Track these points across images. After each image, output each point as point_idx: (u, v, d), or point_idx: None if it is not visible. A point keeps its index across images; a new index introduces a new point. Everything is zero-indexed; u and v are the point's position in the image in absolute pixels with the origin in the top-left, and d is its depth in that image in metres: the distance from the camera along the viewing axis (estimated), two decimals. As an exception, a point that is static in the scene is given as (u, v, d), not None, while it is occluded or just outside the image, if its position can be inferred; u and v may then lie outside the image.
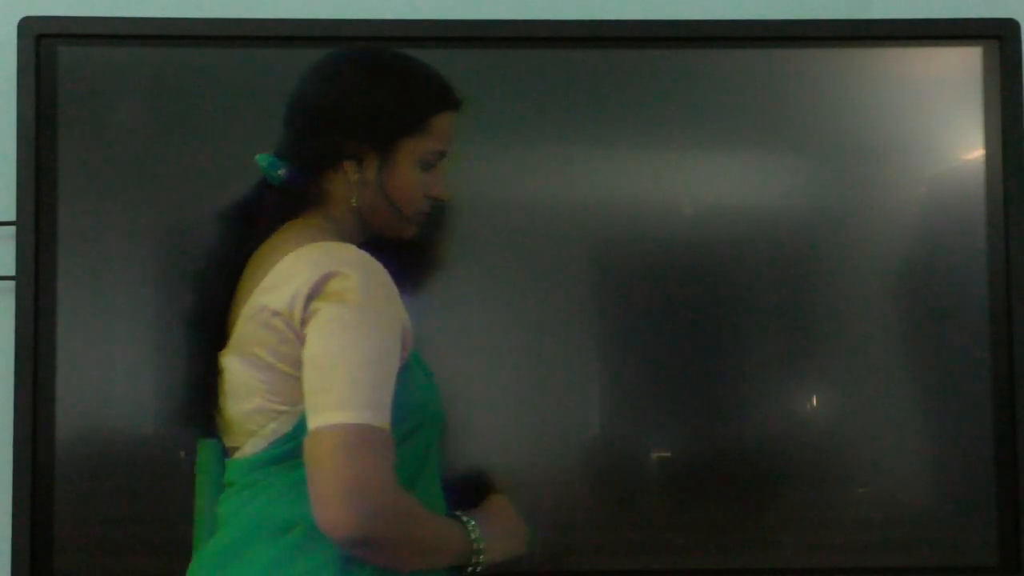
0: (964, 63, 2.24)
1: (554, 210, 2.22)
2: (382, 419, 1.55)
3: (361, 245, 1.72)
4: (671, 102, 2.25)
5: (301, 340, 1.60)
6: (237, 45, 2.21)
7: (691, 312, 2.23)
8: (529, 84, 2.23)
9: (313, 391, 1.56)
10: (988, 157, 2.23)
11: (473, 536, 1.65)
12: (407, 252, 1.90)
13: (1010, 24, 2.24)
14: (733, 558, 2.20)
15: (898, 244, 2.24)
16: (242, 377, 1.66)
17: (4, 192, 2.20)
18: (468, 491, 1.79)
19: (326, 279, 1.60)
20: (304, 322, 1.60)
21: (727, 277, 2.24)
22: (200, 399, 1.72)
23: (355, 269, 1.62)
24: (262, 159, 1.75)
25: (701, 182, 2.25)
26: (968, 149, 2.24)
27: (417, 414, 1.67)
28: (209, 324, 1.71)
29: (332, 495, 1.51)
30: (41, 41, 2.18)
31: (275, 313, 1.62)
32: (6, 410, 2.15)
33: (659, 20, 2.24)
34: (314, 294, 1.60)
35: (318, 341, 1.58)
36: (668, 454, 2.23)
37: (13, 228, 2.18)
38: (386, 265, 1.72)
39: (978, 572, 2.19)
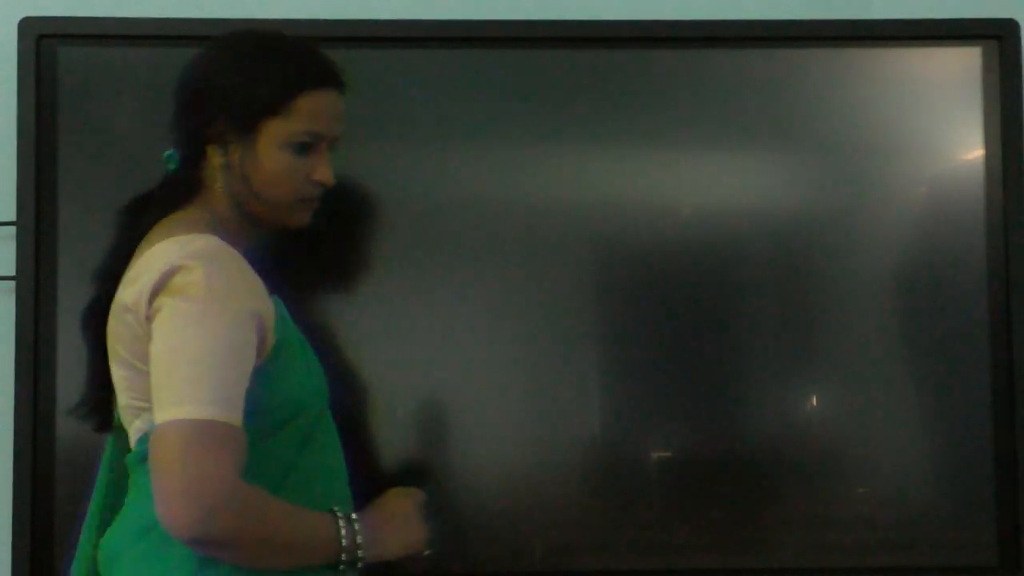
0: (964, 63, 2.25)
1: (553, 210, 2.22)
2: (226, 414, 1.51)
3: (269, 238, 1.76)
4: (671, 102, 2.25)
5: (149, 336, 1.57)
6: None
7: (691, 312, 2.22)
8: (529, 84, 2.23)
9: (156, 387, 1.53)
10: (988, 157, 2.23)
11: (343, 532, 1.61)
12: (328, 247, 1.93)
13: (1010, 24, 2.24)
14: (733, 558, 2.20)
15: (898, 244, 2.24)
16: (115, 373, 1.65)
17: (4, 192, 2.20)
18: (404, 483, 1.85)
19: (170, 274, 1.57)
20: (149, 318, 1.57)
21: (727, 277, 2.24)
22: (93, 395, 1.73)
23: (201, 262, 1.57)
24: (167, 153, 1.74)
25: (701, 182, 2.25)
26: (968, 149, 2.24)
27: (287, 407, 1.64)
28: (95, 319, 1.69)
29: (171, 493, 1.48)
30: (41, 41, 2.18)
31: (127, 309, 1.60)
32: (6, 410, 2.15)
33: (659, 20, 2.25)
34: (158, 289, 1.57)
35: (160, 337, 1.55)
36: (668, 454, 2.23)
37: (13, 228, 2.18)
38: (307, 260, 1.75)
39: (978, 572, 2.19)
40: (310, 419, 1.67)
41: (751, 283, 2.25)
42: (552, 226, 2.21)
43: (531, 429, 2.21)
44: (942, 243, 2.24)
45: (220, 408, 1.51)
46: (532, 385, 2.22)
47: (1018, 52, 2.24)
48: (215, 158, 1.70)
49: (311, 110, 1.69)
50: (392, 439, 2.18)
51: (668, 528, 2.21)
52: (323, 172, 1.72)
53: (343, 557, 1.60)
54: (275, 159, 1.69)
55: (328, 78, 1.71)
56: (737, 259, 2.24)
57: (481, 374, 2.21)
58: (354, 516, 1.63)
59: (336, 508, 1.64)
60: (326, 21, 2.21)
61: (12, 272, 2.18)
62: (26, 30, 2.17)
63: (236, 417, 1.52)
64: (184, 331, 1.54)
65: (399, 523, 1.71)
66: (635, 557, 2.20)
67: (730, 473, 2.21)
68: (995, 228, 2.22)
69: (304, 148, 1.70)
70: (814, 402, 2.24)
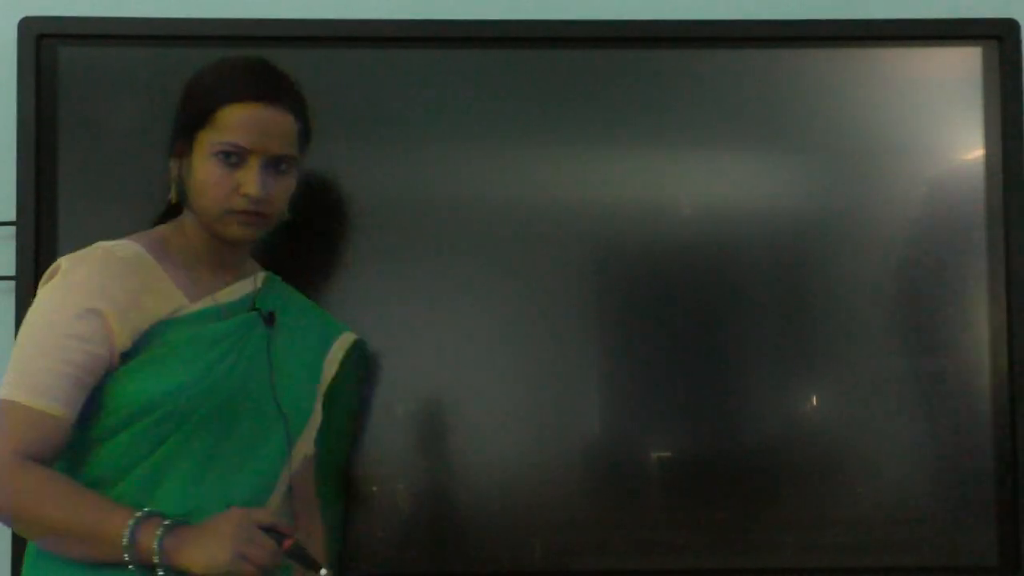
0: (964, 63, 2.25)
1: (554, 210, 2.22)
2: (29, 396, 1.66)
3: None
4: (671, 102, 2.25)
5: None
6: (237, 45, 2.20)
7: (691, 312, 2.22)
8: (529, 84, 2.23)
9: None
10: (988, 157, 2.23)
11: (126, 533, 1.63)
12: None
13: (1010, 24, 2.24)
14: (733, 558, 2.20)
15: (898, 244, 2.24)
16: None
17: (4, 192, 2.20)
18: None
19: (52, 271, 1.77)
20: None
21: (727, 277, 2.24)
22: None
23: (75, 261, 1.76)
24: None
25: (701, 182, 2.25)
26: (968, 149, 2.24)
27: (133, 407, 1.72)
28: None
29: None
30: (41, 41, 2.18)
31: None
32: (6, 410, 2.15)
33: (659, 20, 2.25)
34: (41, 283, 1.77)
35: None
36: (668, 454, 2.23)
37: (13, 228, 2.18)
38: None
39: (978, 572, 2.19)
40: (168, 421, 1.74)
41: (751, 283, 2.24)
42: (552, 226, 2.21)
43: (531, 429, 2.21)
44: (942, 243, 2.24)
45: (23, 391, 1.67)
46: (532, 385, 2.22)
47: (1018, 52, 2.24)
48: (173, 171, 1.84)
49: (232, 122, 1.76)
50: (392, 439, 2.18)
51: (668, 528, 2.21)
52: (249, 185, 1.76)
53: (126, 558, 1.64)
54: (204, 169, 1.78)
55: (249, 92, 1.78)
56: (737, 259, 2.23)
57: (481, 374, 2.21)
58: (167, 522, 1.66)
59: (147, 510, 1.68)
60: (326, 21, 2.21)
61: (12, 272, 2.18)
62: (26, 30, 2.17)
63: (41, 401, 1.66)
64: (28, 318, 1.74)
65: (208, 539, 1.67)
66: (635, 557, 2.20)
67: (730, 473, 2.21)
68: (995, 228, 2.22)
69: (230, 159, 1.77)
70: (814, 402, 2.24)
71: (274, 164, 1.80)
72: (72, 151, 2.18)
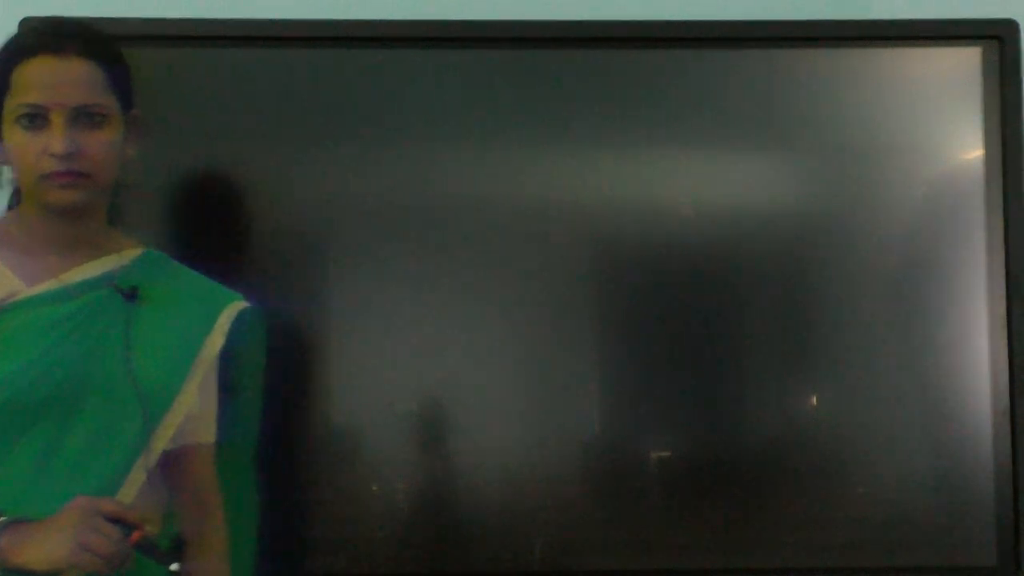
0: (963, 63, 2.24)
1: (553, 210, 2.22)
2: None
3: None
4: (671, 102, 2.25)
5: None
6: (237, 45, 2.21)
7: (691, 312, 2.23)
8: (529, 84, 2.23)
9: None
10: (987, 157, 2.23)
11: None
12: None
13: (1010, 24, 2.24)
14: (733, 558, 2.20)
15: (898, 244, 2.24)
16: None
17: (4, 192, 2.19)
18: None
19: None
20: None
21: (726, 277, 2.24)
22: None
23: None
24: None
25: (700, 183, 2.25)
26: (967, 149, 2.24)
27: None
28: None
29: None
30: (41, 41, 2.17)
31: None
32: (6, 410, 2.15)
33: (659, 20, 2.24)
34: None
35: None
36: (668, 454, 2.23)
37: (13, 228, 2.18)
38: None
39: (978, 572, 2.19)
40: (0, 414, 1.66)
41: (751, 283, 2.25)
42: (552, 225, 2.21)
43: (531, 429, 2.21)
44: (942, 243, 2.24)
45: None
46: (532, 385, 2.22)
47: (1018, 52, 2.24)
48: (3, 155, 1.75)
49: (24, 81, 1.69)
50: (391, 439, 2.18)
51: (668, 528, 2.21)
52: (54, 142, 1.68)
53: None
54: (12, 139, 1.71)
55: (35, 45, 1.70)
56: (737, 259, 2.24)
57: (481, 374, 2.21)
58: (3, 519, 1.59)
59: None
60: (326, 21, 2.21)
61: (12, 272, 2.17)
62: (26, 30, 2.17)
63: None
64: None
65: (47, 533, 1.59)
66: (635, 557, 2.20)
67: (730, 473, 2.21)
68: (995, 228, 2.22)
69: (34, 122, 1.69)
70: (814, 402, 2.24)
71: (81, 116, 1.69)
72: (72, 151, 2.18)
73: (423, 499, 2.19)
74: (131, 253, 1.81)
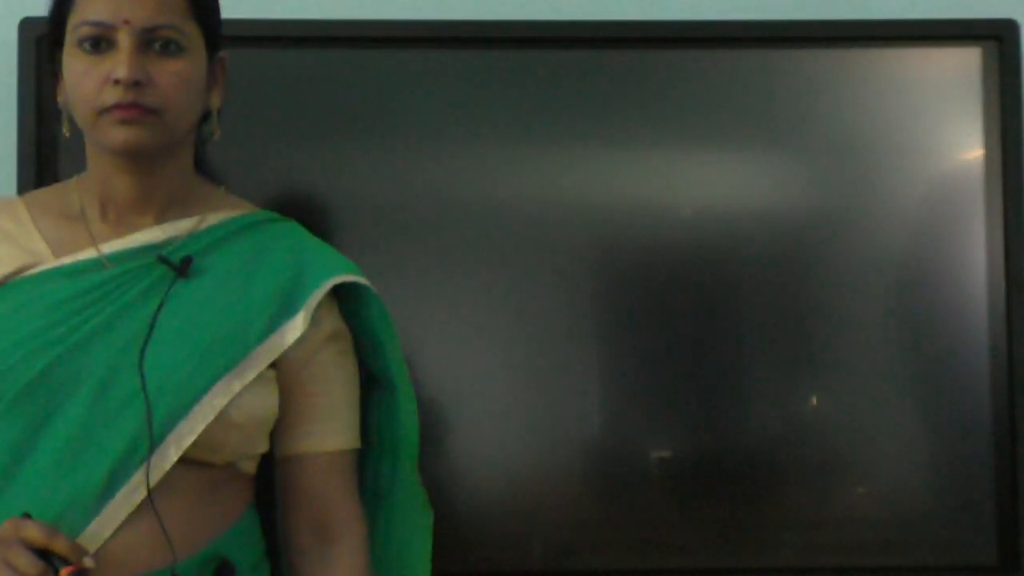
0: (963, 63, 2.24)
1: (553, 210, 2.22)
2: None
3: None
4: (671, 102, 2.25)
5: None
6: (236, 45, 2.20)
7: (691, 312, 2.22)
8: (529, 84, 2.23)
9: None
10: (987, 157, 2.23)
11: None
12: None
13: (1010, 24, 2.24)
14: (733, 558, 2.20)
15: (898, 244, 2.24)
16: None
17: (4, 192, 2.20)
18: None
19: None
20: None
21: (726, 277, 2.24)
22: None
23: None
24: None
25: (700, 183, 2.25)
26: (967, 149, 2.24)
27: None
28: None
29: None
30: (41, 41, 2.17)
31: None
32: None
33: (659, 20, 2.25)
34: None
35: None
36: (668, 454, 2.23)
37: (13, 228, 2.18)
38: None
39: (978, 572, 2.19)
40: None
41: (751, 283, 2.25)
42: (551, 225, 2.21)
43: (531, 429, 2.21)
44: (942, 243, 2.24)
45: None
46: (532, 385, 2.22)
47: (1018, 52, 2.24)
48: (60, 98, 1.54)
49: None
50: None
51: (668, 528, 2.21)
52: (120, 67, 1.43)
53: None
54: (71, 66, 1.47)
55: None
56: (737, 259, 2.23)
57: (481, 373, 2.21)
58: None
59: None
60: (326, 21, 2.21)
61: (13, 272, 2.18)
62: (26, 30, 2.17)
63: None
64: None
65: None
66: (635, 557, 2.20)
67: (730, 473, 2.21)
68: (995, 228, 2.22)
69: (98, 45, 1.45)
70: (814, 402, 2.24)
71: (153, 42, 1.46)
72: (73, 152, 2.17)
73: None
74: (220, 215, 1.56)
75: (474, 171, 2.23)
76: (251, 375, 1.48)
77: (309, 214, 2.16)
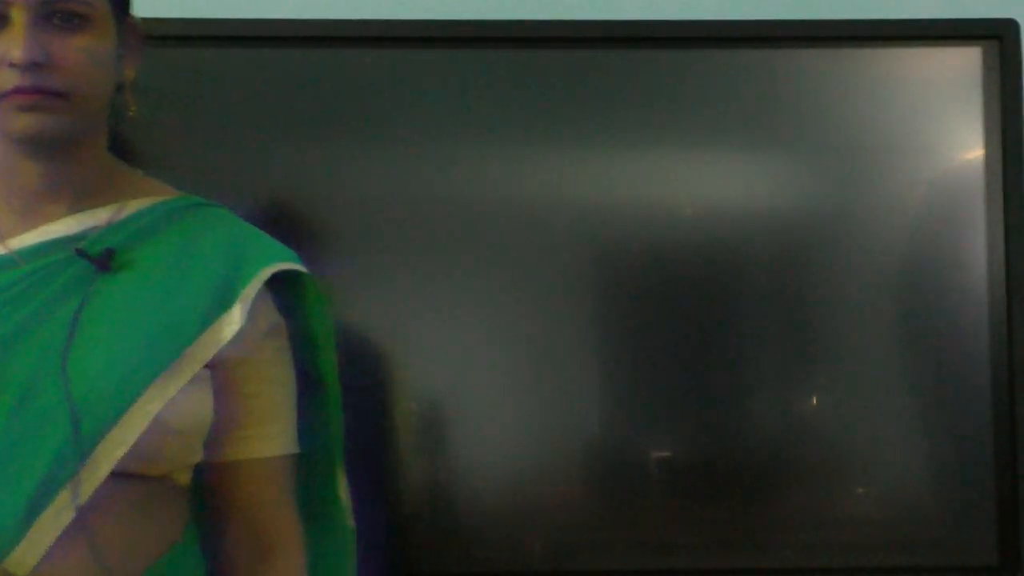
0: (964, 63, 2.24)
1: (553, 211, 2.22)
2: None
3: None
4: (671, 102, 2.25)
5: None
6: (236, 45, 2.21)
7: (691, 312, 2.22)
8: (529, 84, 2.23)
9: None
10: (988, 157, 2.23)
11: None
12: None
13: (1010, 24, 2.24)
14: (733, 558, 2.20)
15: (898, 244, 2.24)
16: None
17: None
18: None
19: None
20: None
21: (726, 277, 2.24)
22: None
23: None
24: None
25: (700, 183, 2.25)
26: (968, 149, 2.24)
27: None
28: None
29: None
30: (40, 41, 2.17)
31: None
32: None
33: (659, 20, 2.25)
34: None
35: None
36: (668, 454, 2.23)
37: (12, 228, 2.17)
38: None
39: (978, 572, 2.19)
40: None
41: (751, 283, 2.25)
42: (552, 226, 2.21)
43: (531, 429, 2.21)
44: (942, 243, 2.24)
45: None
46: (532, 384, 2.22)
47: (1018, 52, 2.23)
48: None
49: None
50: (392, 439, 2.18)
51: (668, 528, 2.21)
52: (14, 48, 1.27)
53: None
54: None
55: None
56: (737, 259, 2.23)
57: (480, 373, 2.21)
58: None
59: None
60: (326, 21, 2.21)
61: (11, 272, 2.17)
62: (25, 30, 2.17)
63: None
64: None
65: None
66: (635, 557, 2.20)
67: (730, 473, 2.21)
68: (995, 228, 2.22)
69: None
70: (814, 402, 2.24)
71: (52, 15, 1.30)
72: None
73: (423, 499, 2.19)
74: (142, 202, 1.42)
75: (473, 171, 2.23)
76: (186, 376, 1.33)
77: (307, 215, 2.16)
